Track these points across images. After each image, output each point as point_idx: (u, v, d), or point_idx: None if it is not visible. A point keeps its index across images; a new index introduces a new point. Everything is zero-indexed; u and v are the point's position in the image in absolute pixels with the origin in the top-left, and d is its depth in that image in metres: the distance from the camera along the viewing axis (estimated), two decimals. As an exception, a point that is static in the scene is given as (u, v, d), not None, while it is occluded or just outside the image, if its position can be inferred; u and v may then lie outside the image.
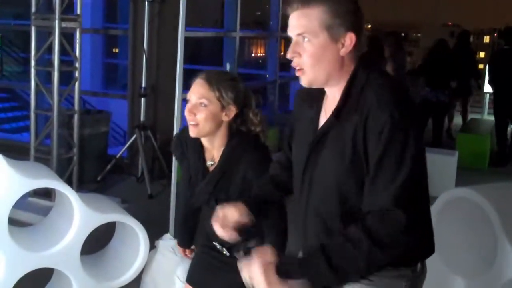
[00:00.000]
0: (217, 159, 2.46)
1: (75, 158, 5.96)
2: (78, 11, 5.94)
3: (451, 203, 2.90)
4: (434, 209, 2.93)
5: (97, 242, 3.77)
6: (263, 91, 9.86)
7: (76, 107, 6.02)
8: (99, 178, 6.58)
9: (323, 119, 1.88)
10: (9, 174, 3.15)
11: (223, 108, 2.37)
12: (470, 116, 10.57)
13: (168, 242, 3.53)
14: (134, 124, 6.90)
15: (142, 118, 6.79)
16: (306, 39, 1.77)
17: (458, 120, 10.48)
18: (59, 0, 5.58)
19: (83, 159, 6.16)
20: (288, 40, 1.82)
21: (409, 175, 1.67)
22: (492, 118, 9.50)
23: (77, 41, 5.97)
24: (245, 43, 12.92)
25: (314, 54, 1.77)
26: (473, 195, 2.75)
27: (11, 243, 3.20)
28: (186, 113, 2.38)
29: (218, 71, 2.52)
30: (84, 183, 6.18)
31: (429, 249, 1.93)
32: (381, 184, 1.69)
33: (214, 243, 2.57)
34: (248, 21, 11.32)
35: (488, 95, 11.69)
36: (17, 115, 11.91)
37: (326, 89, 1.88)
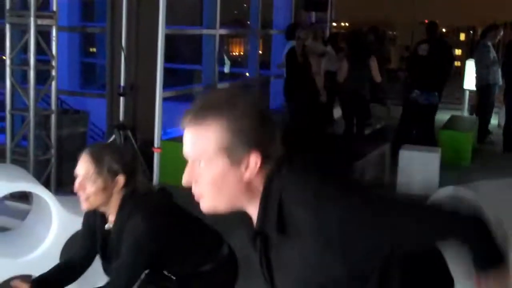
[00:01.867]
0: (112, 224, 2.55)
1: (52, 159, 5.83)
2: (54, 8, 5.82)
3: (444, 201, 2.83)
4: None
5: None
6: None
7: (53, 107, 5.89)
8: (77, 180, 6.44)
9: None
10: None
11: (111, 180, 2.43)
12: (451, 113, 10.58)
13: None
14: (113, 123, 6.77)
15: (121, 118, 6.65)
16: (202, 164, 1.52)
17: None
18: (35, -4, 5.44)
19: (61, 161, 6.02)
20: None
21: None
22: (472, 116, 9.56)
23: (54, 39, 5.83)
24: (224, 41, 12.85)
25: (213, 182, 1.52)
26: (467, 193, 2.68)
27: (-14, 249, 3.08)
28: (76, 189, 2.45)
29: (103, 144, 2.69)
30: (62, 185, 6.02)
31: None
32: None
33: None
34: (227, 20, 11.25)
35: (467, 91, 11.74)
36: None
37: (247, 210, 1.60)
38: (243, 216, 1.61)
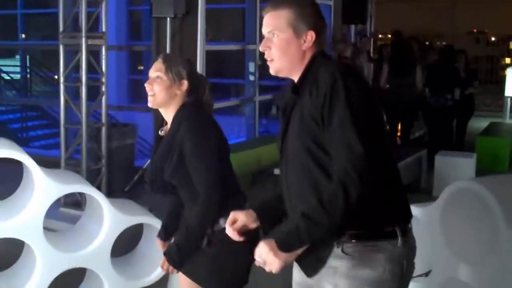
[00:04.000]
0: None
1: (103, 169, 6.21)
2: (104, 29, 6.22)
3: (456, 194, 3.07)
4: (440, 200, 3.11)
5: (126, 245, 3.99)
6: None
7: (104, 120, 6.29)
8: (126, 189, 6.82)
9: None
10: (44, 180, 3.39)
11: (175, 82, 2.69)
12: (491, 120, 10.65)
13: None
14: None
15: (166, 130, 7.02)
16: (275, 35, 2.11)
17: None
18: (85, 18, 5.87)
19: (111, 171, 6.41)
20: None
21: (358, 136, 1.91)
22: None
23: (103, 57, 6.24)
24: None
25: (281, 47, 2.11)
26: (475, 186, 2.92)
27: (46, 245, 3.44)
28: (146, 85, 2.70)
29: (176, 53, 2.85)
30: (112, 194, 6.40)
31: (404, 216, 2.09)
32: (335, 148, 1.95)
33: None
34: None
35: (509, 99, 11.77)
36: (46, 133, 12.24)
37: (293, 78, 2.17)
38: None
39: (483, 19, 28.17)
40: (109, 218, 3.56)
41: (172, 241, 2.83)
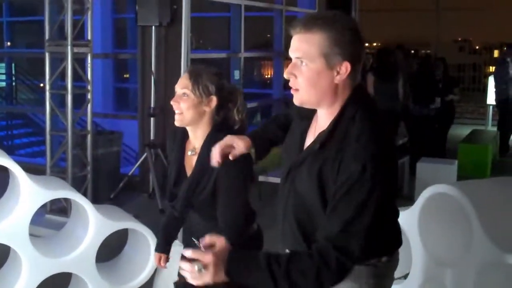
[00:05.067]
0: (198, 149, 2.64)
1: (89, 176, 6.26)
2: (89, 37, 6.27)
3: (433, 198, 3.16)
4: (417, 204, 3.20)
5: (111, 251, 4.04)
6: (267, 110, 10.14)
7: (89, 127, 6.33)
8: (112, 196, 6.86)
9: (310, 137, 2.02)
10: (29, 186, 3.43)
11: (203, 98, 2.56)
12: (474, 127, 10.80)
13: (177, 248, 3.77)
14: (144, 143, 7.19)
15: (152, 137, 7.09)
16: (303, 63, 1.87)
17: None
18: (71, 27, 5.92)
19: (96, 178, 6.45)
20: (291, 60, 2.02)
21: (363, 226, 1.78)
22: (494, 129, 9.68)
23: (89, 65, 6.30)
24: (254, 64, 13.20)
25: (310, 78, 1.87)
26: (451, 190, 3.01)
27: (32, 249, 3.48)
28: (172, 103, 2.60)
29: (204, 66, 2.69)
30: (98, 201, 6.42)
31: (393, 247, 2.10)
32: (335, 222, 1.80)
33: (192, 238, 2.80)
34: (258, 44, 11.63)
35: (491, 107, 11.93)
36: (32, 141, 12.22)
37: (318, 110, 1.99)
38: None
39: (467, 28, 28.49)
40: (94, 223, 3.60)
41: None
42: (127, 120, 8.46)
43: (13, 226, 3.43)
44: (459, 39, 31.10)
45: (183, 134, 2.72)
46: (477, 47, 31.94)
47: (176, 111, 2.58)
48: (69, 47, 5.96)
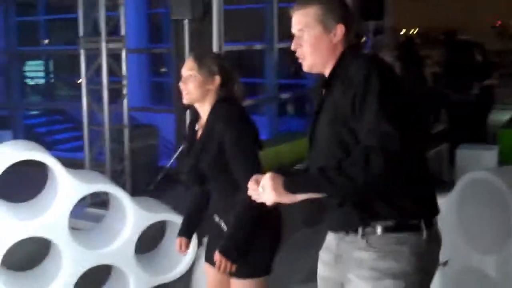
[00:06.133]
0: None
1: (126, 169, 6.32)
2: (123, 33, 6.33)
3: (471, 185, 3.11)
4: (455, 191, 3.15)
5: (150, 242, 4.08)
6: (301, 101, 10.11)
7: (125, 121, 6.40)
8: (150, 188, 6.92)
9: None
10: (67, 180, 3.50)
11: (208, 78, 2.80)
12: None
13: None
14: (181, 135, 7.23)
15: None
16: (305, 33, 2.16)
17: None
18: (104, 23, 5.98)
19: (134, 171, 6.52)
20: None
21: (392, 125, 1.90)
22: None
23: (123, 60, 6.35)
24: (288, 55, 13.18)
25: (312, 44, 2.16)
26: (489, 176, 2.96)
27: (72, 242, 3.54)
28: (180, 85, 2.84)
29: (206, 49, 2.90)
30: (136, 193, 6.48)
31: (430, 211, 2.13)
32: (367, 137, 1.95)
33: (214, 215, 2.89)
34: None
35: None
36: (72, 136, 12.41)
37: (325, 73, 2.21)
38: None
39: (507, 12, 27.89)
40: (132, 215, 3.65)
41: (219, 241, 2.76)
42: (164, 114, 8.53)
43: (53, 220, 3.50)
44: (499, 22, 30.46)
45: (195, 114, 2.96)
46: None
47: (184, 92, 2.82)
48: (103, 43, 6.02)
